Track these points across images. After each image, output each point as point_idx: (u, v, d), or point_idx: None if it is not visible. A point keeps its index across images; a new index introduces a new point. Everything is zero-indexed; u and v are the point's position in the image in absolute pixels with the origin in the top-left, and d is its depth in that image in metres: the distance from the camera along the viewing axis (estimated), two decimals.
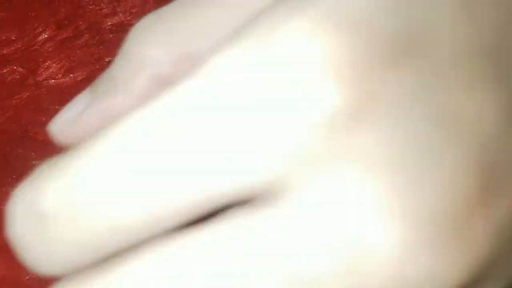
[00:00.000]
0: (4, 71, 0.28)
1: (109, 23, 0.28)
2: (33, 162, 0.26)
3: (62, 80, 0.28)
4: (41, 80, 0.28)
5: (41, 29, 0.29)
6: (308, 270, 0.11)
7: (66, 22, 0.29)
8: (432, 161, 0.11)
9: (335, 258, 0.11)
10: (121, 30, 0.29)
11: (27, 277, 0.24)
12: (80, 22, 0.29)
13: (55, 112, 0.29)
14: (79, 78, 0.28)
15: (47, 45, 0.29)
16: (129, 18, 0.29)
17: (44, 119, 0.27)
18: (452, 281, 0.11)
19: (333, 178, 0.11)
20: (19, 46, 0.29)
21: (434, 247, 0.11)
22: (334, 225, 0.11)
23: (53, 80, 0.28)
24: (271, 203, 0.11)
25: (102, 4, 0.29)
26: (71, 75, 0.28)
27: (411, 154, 0.11)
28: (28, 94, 0.28)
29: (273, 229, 0.11)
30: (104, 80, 0.16)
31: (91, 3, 0.29)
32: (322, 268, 0.11)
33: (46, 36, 0.29)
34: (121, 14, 0.29)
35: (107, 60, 0.28)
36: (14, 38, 0.29)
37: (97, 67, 0.28)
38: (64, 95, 0.28)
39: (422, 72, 0.12)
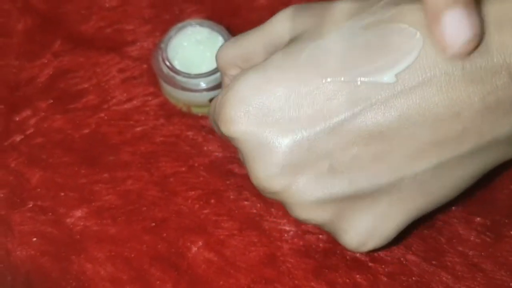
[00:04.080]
0: (85, 99, 0.37)
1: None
2: (110, 158, 0.35)
3: (124, 105, 0.37)
4: (111, 105, 0.37)
5: (108, 71, 0.38)
6: None
7: (127, 67, 0.38)
8: None
9: None
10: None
11: None
12: (136, 69, 0.37)
13: (121, 126, 0.37)
14: (137, 104, 0.37)
15: (112, 82, 0.37)
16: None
17: (115, 130, 0.36)
18: None
19: None
20: (94, 82, 0.37)
21: None
22: None
23: (118, 106, 0.37)
24: None
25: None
26: (131, 102, 0.37)
27: None
28: (103, 114, 0.36)
29: None
30: None
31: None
32: None
33: (112, 75, 0.37)
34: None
35: (152, 90, 0.37)
36: (90, 76, 0.37)
37: (150, 98, 0.37)
38: (126, 115, 0.37)
39: None
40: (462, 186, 0.27)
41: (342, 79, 0.24)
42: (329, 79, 0.25)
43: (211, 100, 0.36)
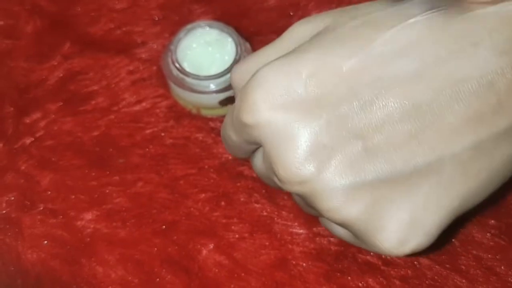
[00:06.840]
0: (94, 101, 0.37)
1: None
2: (120, 161, 0.35)
3: (134, 107, 0.37)
4: (120, 107, 0.37)
5: (118, 73, 0.38)
6: None
7: (137, 69, 0.38)
8: None
9: None
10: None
11: None
12: (146, 71, 0.37)
13: (131, 128, 0.37)
14: (147, 106, 0.37)
15: (122, 84, 0.37)
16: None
17: (125, 132, 0.36)
18: None
19: None
20: (104, 84, 0.37)
21: None
22: None
23: (128, 108, 0.37)
24: None
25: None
26: (141, 104, 0.37)
27: None
28: (113, 116, 0.36)
29: None
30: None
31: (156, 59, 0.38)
32: None
33: (122, 77, 0.38)
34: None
35: (162, 92, 0.37)
36: (100, 79, 0.37)
37: (159, 100, 0.37)
38: (136, 117, 0.37)
39: None
40: (505, 171, 0.25)
41: (370, 57, 0.24)
42: (356, 58, 0.24)
43: (221, 102, 0.35)
